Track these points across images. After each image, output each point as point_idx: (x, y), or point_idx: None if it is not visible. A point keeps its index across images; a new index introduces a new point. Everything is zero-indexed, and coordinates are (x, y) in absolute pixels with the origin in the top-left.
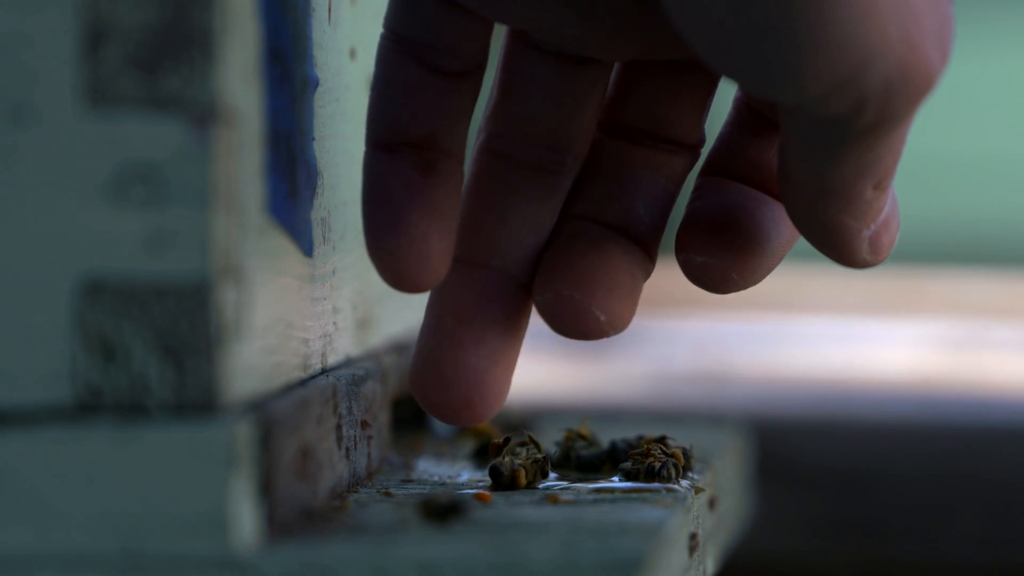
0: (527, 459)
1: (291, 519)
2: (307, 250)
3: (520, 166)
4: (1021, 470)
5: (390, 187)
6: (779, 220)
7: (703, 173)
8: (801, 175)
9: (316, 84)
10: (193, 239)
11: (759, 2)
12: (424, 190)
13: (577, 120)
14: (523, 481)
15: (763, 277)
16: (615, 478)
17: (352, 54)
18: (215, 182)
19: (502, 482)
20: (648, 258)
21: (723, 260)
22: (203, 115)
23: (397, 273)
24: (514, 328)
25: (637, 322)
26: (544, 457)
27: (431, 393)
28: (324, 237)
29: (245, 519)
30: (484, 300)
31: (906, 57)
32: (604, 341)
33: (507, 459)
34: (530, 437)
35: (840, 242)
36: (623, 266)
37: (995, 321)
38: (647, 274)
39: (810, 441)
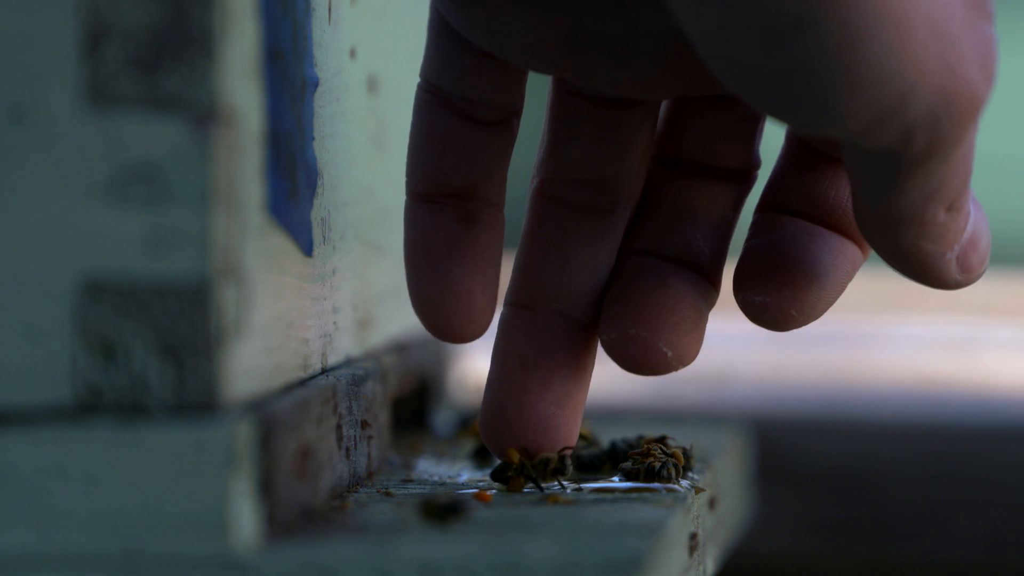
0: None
1: (291, 519)
2: (307, 250)
3: (575, 209)
4: (1021, 470)
5: (432, 240)
6: (837, 253)
7: (759, 209)
8: (870, 207)
9: (316, 84)
10: (193, 239)
11: (790, 44)
12: (466, 243)
13: (627, 161)
14: (518, 487)
15: (824, 311)
16: (615, 478)
17: (352, 54)
18: (215, 182)
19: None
20: (712, 287)
21: (781, 298)
22: (203, 115)
23: (442, 328)
24: (580, 370)
25: None
26: (562, 456)
27: (501, 439)
28: (324, 237)
29: (245, 519)
30: (548, 344)
31: (947, 85)
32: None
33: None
34: None
35: (925, 268)
36: (687, 299)
37: (995, 321)
38: (712, 303)
39: (810, 441)
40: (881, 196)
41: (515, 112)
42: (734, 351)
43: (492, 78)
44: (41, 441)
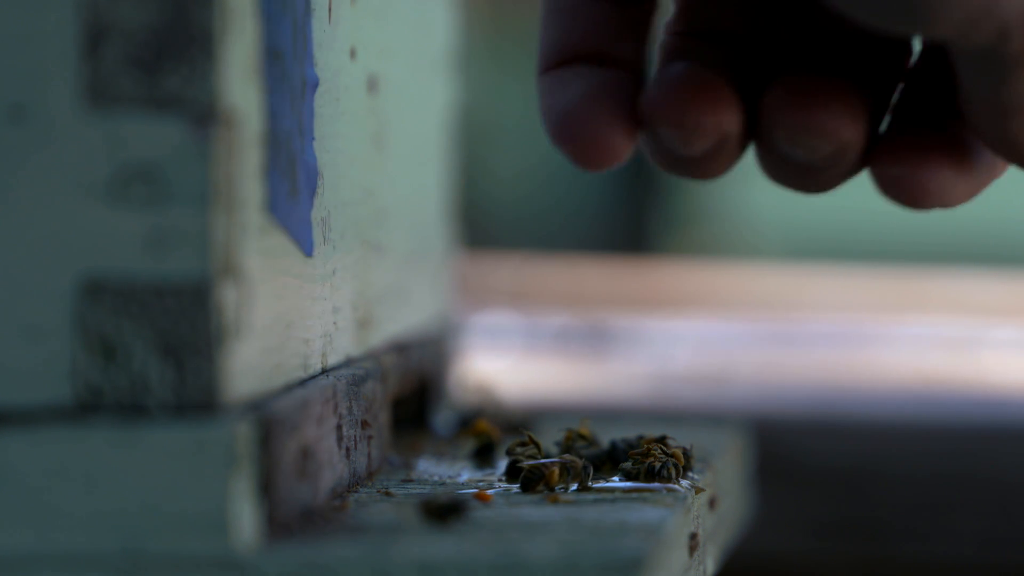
0: (572, 469)
1: (291, 519)
2: (307, 250)
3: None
4: (1021, 470)
5: (568, 82)
6: (984, 149)
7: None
8: (976, 100)
9: (316, 84)
10: (193, 239)
11: None
12: (603, 78)
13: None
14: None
15: (962, 200)
16: (615, 478)
17: (352, 54)
18: (215, 182)
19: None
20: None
21: (921, 172)
22: (203, 115)
23: (584, 147)
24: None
25: (638, 322)
26: (585, 466)
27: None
28: (324, 237)
29: (245, 519)
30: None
31: None
32: (604, 340)
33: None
34: (530, 437)
35: None
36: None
37: (995, 321)
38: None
39: (810, 441)
40: (987, 89)
41: None
42: (734, 351)
43: None
44: (41, 441)
